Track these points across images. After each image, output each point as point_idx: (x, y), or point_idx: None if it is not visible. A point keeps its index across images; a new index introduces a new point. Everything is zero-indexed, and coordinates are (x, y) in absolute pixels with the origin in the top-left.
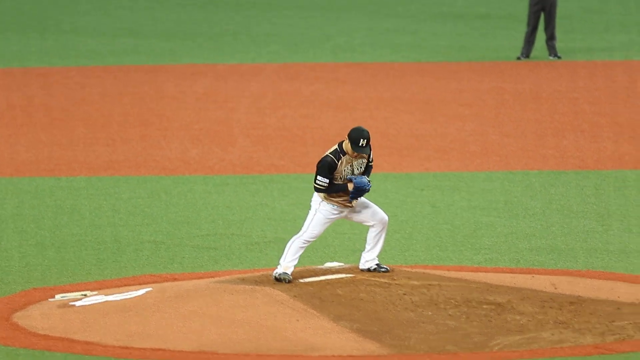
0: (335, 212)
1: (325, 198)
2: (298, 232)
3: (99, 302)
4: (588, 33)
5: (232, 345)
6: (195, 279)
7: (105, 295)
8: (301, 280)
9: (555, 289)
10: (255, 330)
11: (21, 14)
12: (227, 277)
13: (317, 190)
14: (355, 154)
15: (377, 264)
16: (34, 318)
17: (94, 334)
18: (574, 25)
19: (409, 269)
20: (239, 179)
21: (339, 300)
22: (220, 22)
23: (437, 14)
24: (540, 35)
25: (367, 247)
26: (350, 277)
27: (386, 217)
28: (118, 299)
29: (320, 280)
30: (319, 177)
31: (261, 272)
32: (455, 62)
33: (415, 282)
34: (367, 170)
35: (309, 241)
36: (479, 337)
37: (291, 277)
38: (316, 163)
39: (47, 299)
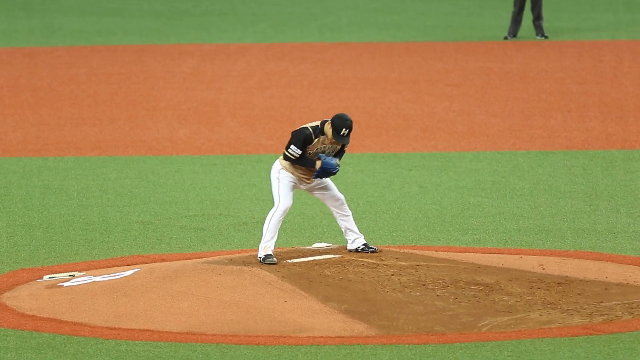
0: (292, 183)
1: (285, 167)
2: (272, 207)
3: (87, 283)
4: (575, 13)
5: (220, 325)
6: (183, 259)
7: (94, 275)
8: (289, 261)
9: (543, 269)
10: (243, 311)
11: None
12: (215, 257)
13: (286, 158)
14: (334, 140)
15: (364, 244)
16: (22, 299)
17: (82, 314)
18: (561, 5)
19: (397, 250)
20: (226, 159)
21: (327, 281)
22: (207, 1)
23: None
24: (527, 15)
25: (349, 238)
26: (339, 257)
27: (342, 197)
28: (106, 279)
29: (309, 261)
30: (292, 147)
31: (249, 253)
32: (442, 41)
33: (404, 263)
34: (339, 154)
35: (285, 211)
36: (467, 317)
37: (275, 259)
38: (292, 131)
39: (35, 280)
